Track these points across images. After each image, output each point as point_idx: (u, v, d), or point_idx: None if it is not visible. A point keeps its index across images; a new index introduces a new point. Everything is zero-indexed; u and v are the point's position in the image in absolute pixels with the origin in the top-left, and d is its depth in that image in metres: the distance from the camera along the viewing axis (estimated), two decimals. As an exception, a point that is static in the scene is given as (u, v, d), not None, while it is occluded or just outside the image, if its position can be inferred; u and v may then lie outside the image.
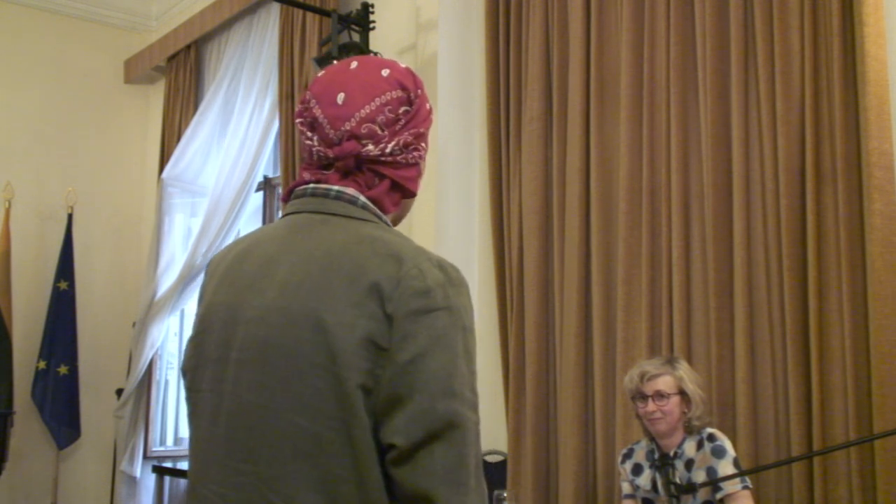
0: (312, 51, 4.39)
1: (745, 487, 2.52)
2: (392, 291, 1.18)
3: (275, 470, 1.19)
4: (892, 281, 2.50)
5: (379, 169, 1.32)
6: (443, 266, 1.23)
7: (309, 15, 4.45)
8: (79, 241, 5.61)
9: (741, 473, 2.49)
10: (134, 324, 5.47)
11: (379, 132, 1.30)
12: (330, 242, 1.26)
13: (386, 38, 4.03)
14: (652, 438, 2.74)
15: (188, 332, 1.47)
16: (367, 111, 1.30)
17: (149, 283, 5.42)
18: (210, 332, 1.32)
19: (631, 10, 3.27)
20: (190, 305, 5.44)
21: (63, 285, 5.48)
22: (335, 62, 1.44)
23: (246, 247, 1.37)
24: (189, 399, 1.36)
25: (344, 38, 3.92)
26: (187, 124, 5.39)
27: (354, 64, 1.36)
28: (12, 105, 5.61)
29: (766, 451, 2.76)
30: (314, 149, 1.33)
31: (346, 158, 1.30)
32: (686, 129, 3.09)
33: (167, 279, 5.38)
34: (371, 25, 3.98)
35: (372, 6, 3.99)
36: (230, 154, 4.97)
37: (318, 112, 1.32)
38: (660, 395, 2.64)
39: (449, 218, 3.77)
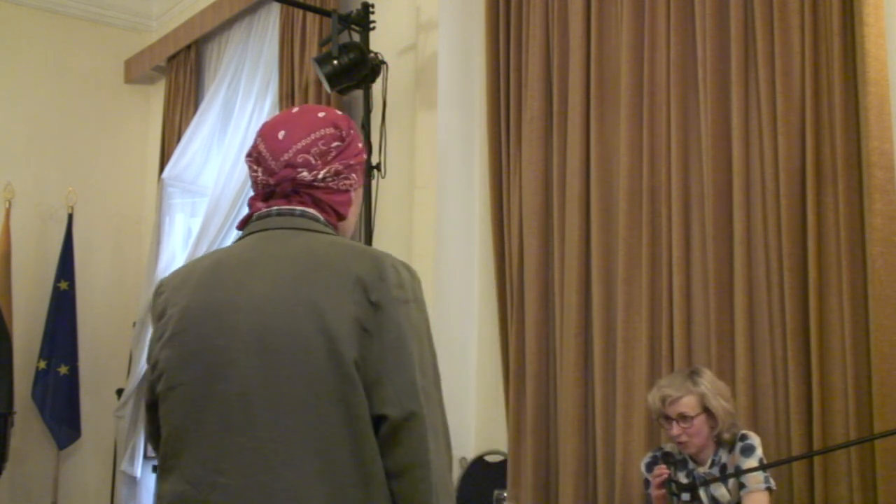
0: (312, 51, 4.38)
1: (768, 488, 2.47)
2: (374, 283, 1.40)
3: (274, 436, 1.35)
4: (892, 281, 2.50)
5: (314, 193, 1.52)
6: (406, 266, 1.47)
7: (309, 15, 4.45)
8: (79, 241, 5.61)
9: (742, 472, 2.48)
10: (134, 324, 5.46)
11: (313, 161, 1.51)
12: (310, 246, 1.46)
13: (386, 38, 4.02)
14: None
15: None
16: (303, 144, 1.51)
17: (149, 283, 5.40)
18: (187, 332, 1.45)
19: (631, 10, 3.26)
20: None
21: (63, 285, 5.48)
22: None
23: (218, 258, 1.52)
24: (165, 398, 1.46)
25: (344, 38, 3.91)
26: (187, 124, 5.38)
27: (296, 109, 1.59)
28: (12, 105, 5.60)
29: (767, 450, 2.75)
30: (259, 179, 1.54)
31: (284, 183, 1.51)
32: (686, 129, 3.09)
33: (167, 279, 5.37)
34: (371, 25, 3.97)
35: (372, 6, 3.98)
36: (230, 154, 4.96)
37: (262, 147, 1.54)
38: (683, 418, 2.57)
39: (449, 218, 3.77)
